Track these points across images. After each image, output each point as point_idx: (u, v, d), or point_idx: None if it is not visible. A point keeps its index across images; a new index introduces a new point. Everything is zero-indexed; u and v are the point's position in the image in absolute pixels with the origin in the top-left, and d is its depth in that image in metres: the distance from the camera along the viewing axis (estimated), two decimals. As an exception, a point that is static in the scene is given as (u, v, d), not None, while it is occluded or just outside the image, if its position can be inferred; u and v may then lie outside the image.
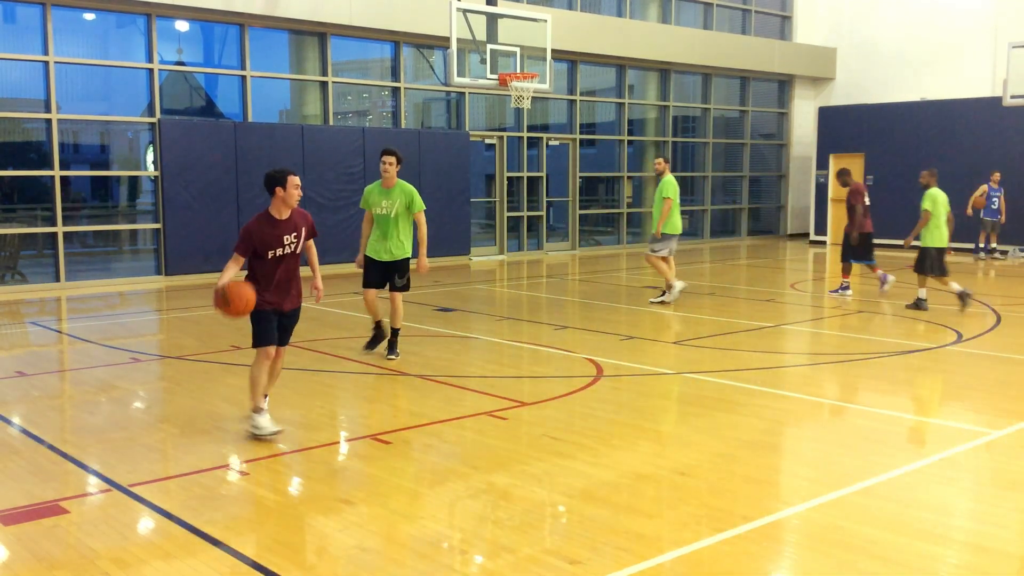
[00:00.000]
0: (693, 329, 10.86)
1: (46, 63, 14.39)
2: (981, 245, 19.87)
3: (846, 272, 13.71)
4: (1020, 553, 4.51)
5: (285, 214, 6.36)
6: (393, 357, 8.82)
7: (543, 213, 20.85)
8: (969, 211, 19.70)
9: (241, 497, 5.28)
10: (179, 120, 15.84)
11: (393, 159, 8.60)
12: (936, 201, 12.11)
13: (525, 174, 20.50)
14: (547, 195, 20.96)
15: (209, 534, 4.63)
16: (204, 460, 5.96)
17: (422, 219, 8.72)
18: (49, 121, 14.49)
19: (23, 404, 7.43)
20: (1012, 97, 17.99)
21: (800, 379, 8.24)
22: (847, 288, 13.52)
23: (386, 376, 8.29)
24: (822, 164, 23.83)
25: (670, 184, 12.42)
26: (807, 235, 24.59)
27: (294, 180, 6.31)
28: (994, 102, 20.17)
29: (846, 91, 25.16)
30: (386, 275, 8.85)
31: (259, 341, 6.40)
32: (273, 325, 6.41)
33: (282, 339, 6.57)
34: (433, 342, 9.90)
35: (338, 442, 6.41)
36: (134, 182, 16.82)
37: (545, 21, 15.00)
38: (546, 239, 20.94)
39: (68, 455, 5.98)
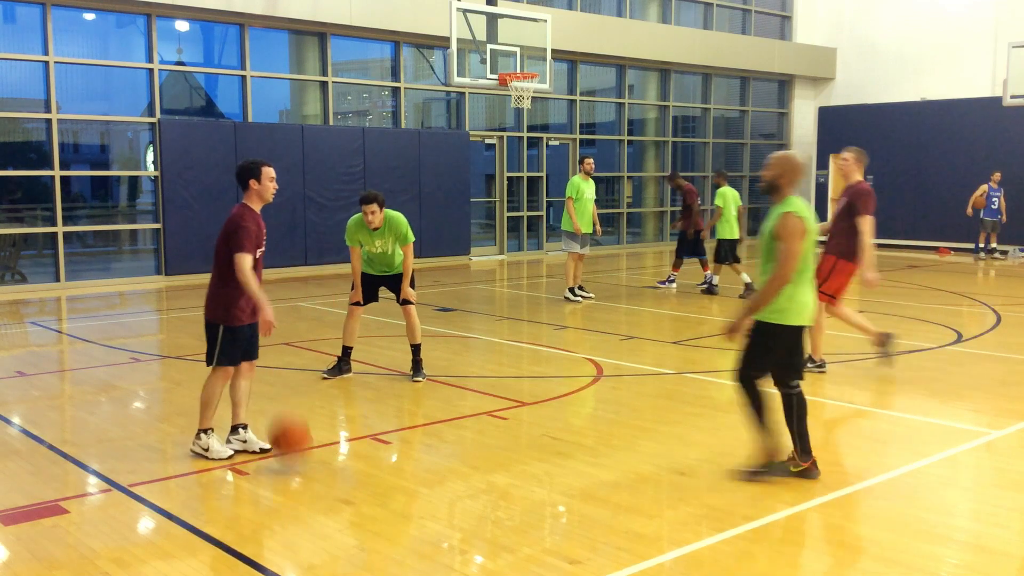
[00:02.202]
0: (693, 329, 10.86)
1: (46, 63, 14.39)
2: (981, 245, 19.87)
3: (676, 267, 14.54)
4: (1020, 553, 4.51)
5: (259, 209, 5.90)
6: (420, 379, 8.00)
7: (543, 213, 20.85)
8: (969, 211, 19.71)
9: (241, 497, 5.28)
10: (179, 120, 15.84)
11: (375, 207, 7.69)
12: (726, 198, 13.73)
13: (525, 174, 20.50)
14: (547, 195, 20.96)
15: (209, 534, 4.63)
16: (204, 460, 5.96)
17: (410, 251, 7.95)
18: (49, 121, 14.49)
19: (23, 404, 7.43)
20: (1012, 97, 18.00)
21: (800, 379, 8.23)
22: (672, 281, 14.37)
23: (386, 376, 8.29)
24: (822, 164, 23.83)
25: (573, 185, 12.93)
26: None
27: (269, 172, 5.85)
28: (994, 102, 20.17)
29: (846, 91, 25.15)
30: (388, 286, 8.21)
31: (224, 359, 5.80)
32: (242, 342, 5.88)
33: (254, 352, 6.05)
34: (433, 342, 9.90)
35: (338, 442, 6.41)
36: (134, 182, 16.81)
37: (545, 21, 15.00)
38: (546, 239, 20.93)
39: (68, 455, 5.98)
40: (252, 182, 5.83)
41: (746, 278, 13.34)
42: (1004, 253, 19.92)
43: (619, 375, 8.32)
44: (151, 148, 15.73)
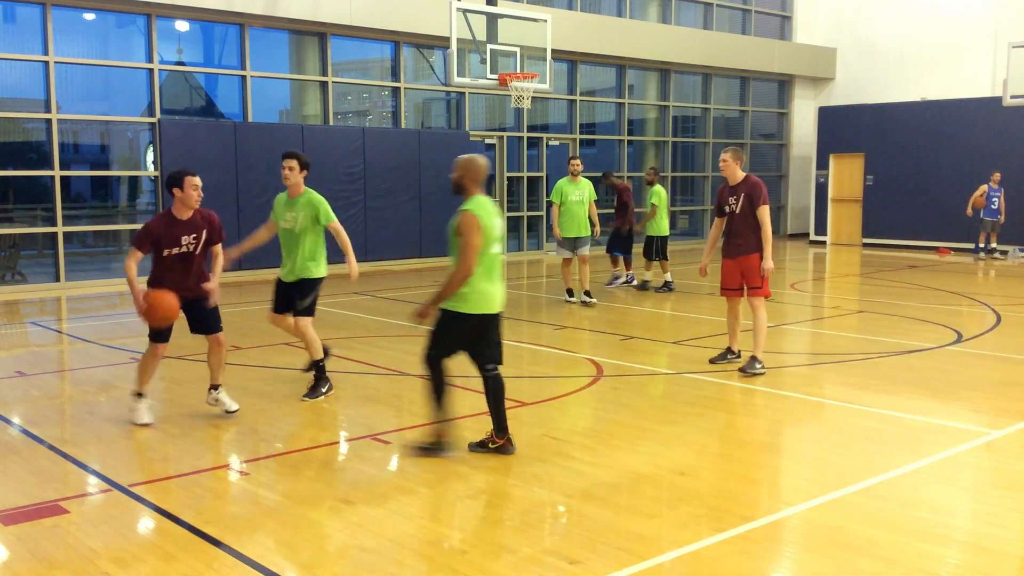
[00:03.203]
0: (693, 329, 10.86)
1: (46, 63, 14.39)
2: (981, 245, 19.87)
3: (615, 263, 14.66)
4: (1020, 553, 4.51)
5: (186, 215, 6.54)
6: (313, 398, 7.37)
7: (543, 213, 20.85)
8: (969, 211, 19.70)
9: (241, 497, 5.28)
10: (179, 120, 15.84)
11: (294, 163, 7.29)
12: (661, 196, 13.97)
13: (525, 174, 20.50)
14: (547, 195, 20.95)
15: (209, 534, 4.63)
16: (204, 460, 5.97)
17: (339, 228, 7.44)
18: (49, 121, 14.49)
19: (23, 404, 7.43)
20: (1012, 97, 17.98)
21: (800, 379, 8.24)
22: (620, 278, 14.48)
23: (386, 376, 8.29)
24: (822, 164, 23.84)
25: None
26: (807, 235, 24.59)
27: (192, 180, 6.47)
28: (994, 102, 20.16)
29: (846, 91, 25.16)
30: (289, 297, 7.50)
31: (153, 337, 6.73)
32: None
33: (199, 328, 6.78)
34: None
35: (338, 442, 6.41)
36: (134, 182, 16.82)
37: (545, 21, 15.00)
38: (546, 239, 20.93)
39: (68, 455, 5.98)
40: (175, 190, 6.50)
41: (668, 276, 14.03)
42: (1004, 253, 19.91)
43: (619, 375, 8.32)
44: (151, 148, 15.74)
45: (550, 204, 12.88)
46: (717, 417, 6.90)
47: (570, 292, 12.71)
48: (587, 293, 12.52)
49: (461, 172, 5.80)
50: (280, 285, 7.54)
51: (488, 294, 5.72)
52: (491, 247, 5.71)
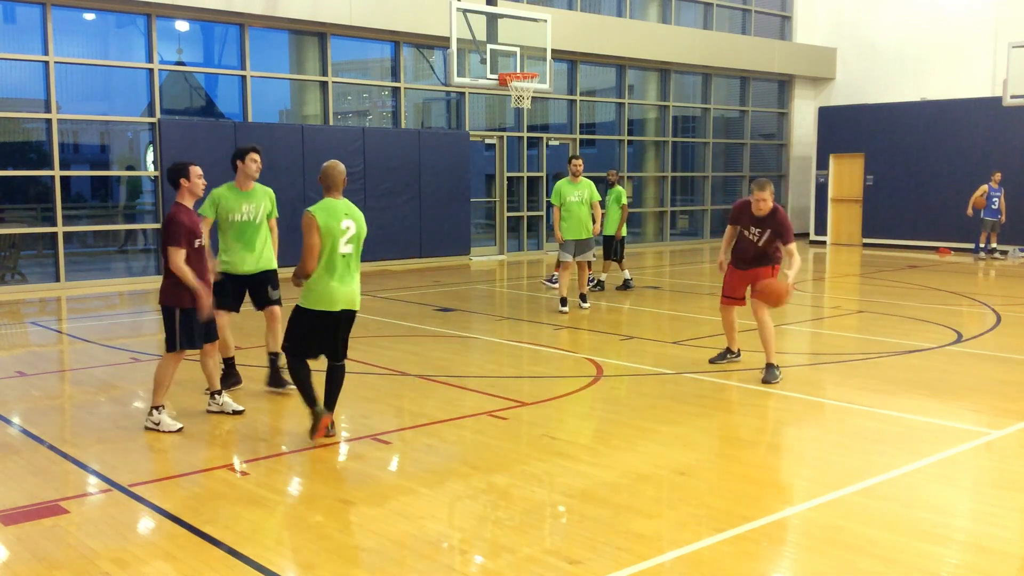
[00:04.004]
0: (693, 329, 10.86)
1: (46, 63, 14.39)
2: (981, 245, 19.86)
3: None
4: (1020, 553, 4.51)
5: (191, 205, 6.58)
6: (279, 390, 7.53)
7: (543, 213, 20.86)
8: (969, 211, 19.70)
9: (241, 497, 5.27)
10: (179, 120, 15.84)
11: (257, 156, 7.46)
12: (622, 197, 13.92)
13: (525, 174, 20.50)
14: (547, 195, 20.95)
15: (209, 534, 4.63)
16: (204, 460, 5.97)
17: (275, 226, 7.73)
18: (49, 121, 14.48)
19: (23, 404, 7.43)
20: (1012, 97, 17.99)
21: (800, 379, 8.24)
22: (555, 281, 13.93)
23: (386, 376, 8.29)
24: (822, 164, 23.84)
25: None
26: (807, 235, 24.59)
27: (196, 170, 6.56)
28: (994, 102, 20.16)
29: (846, 91, 25.15)
30: (253, 289, 7.56)
31: (185, 343, 6.45)
32: (199, 324, 6.51)
33: (213, 334, 6.77)
34: (433, 342, 9.90)
35: (338, 442, 6.41)
36: (134, 182, 16.81)
37: (545, 21, 14.99)
38: (546, 239, 20.93)
39: (68, 455, 5.98)
40: (182, 180, 6.48)
41: (627, 274, 14.17)
42: (1004, 253, 19.91)
43: (619, 375, 8.32)
44: (151, 148, 15.74)
45: (550, 206, 12.71)
46: (717, 417, 6.90)
47: (564, 301, 11.93)
48: (582, 297, 12.17)
49: (320, 177, 6.21)
50: (234, 280, 7.40)
51: (329, 292, 6.03)
52: (338, 248, 6.01)
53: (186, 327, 6.40)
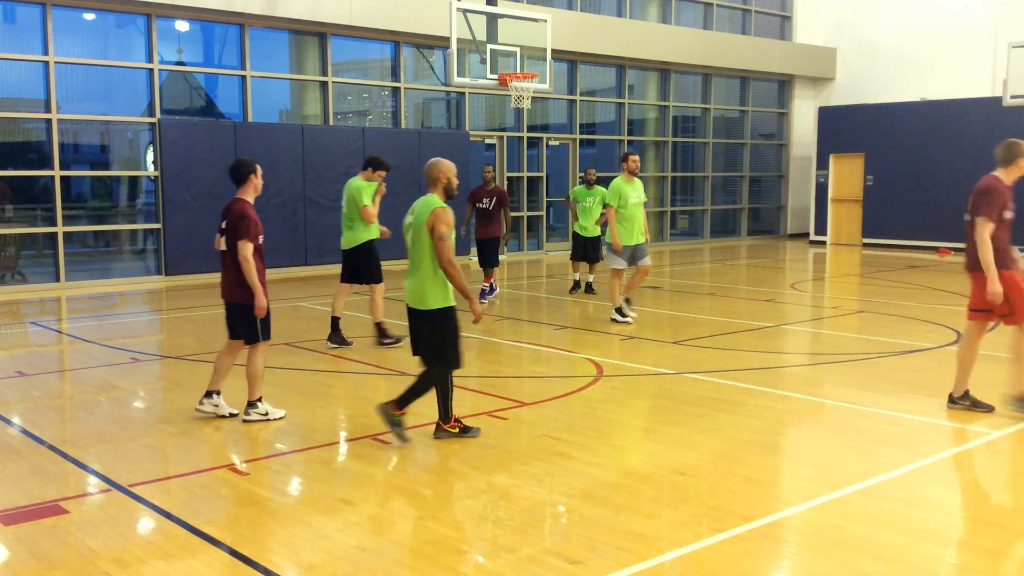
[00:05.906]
0: (693, 329, 10.86)
1: (46, 63, 14.39)
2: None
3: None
4: (1020, 553, 4.51)
5: (252, 201, 6.72)
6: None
7: (543, 213, 20.85)
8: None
9: (241, 497, 5.27)
10: (179, 120, 15.84)
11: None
12: (604, 196, 11.98)
13: (525, 174, 20.50)
14: (547, 195, 20.96)
15: (209, 534, 4.63)
16: (204, 460, 5.97)
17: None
18: (49, 121, 14.49)
19: (23, 404, 7.43)
20: (1012, 97, 17.98)
21: (800, 379, 8.24)
22: (495, 290, 13.06)
23: (386, 376, 8.29)
24: (822, 164, 23.83)
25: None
26: (807, 235, 24.59)
27: (259, 169, 6.82)
28: (994, 102, 20.16)
29: (846, 91, 25.15)
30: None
31: (266, 334, 6.70)
32: (269, 317, 6.70)
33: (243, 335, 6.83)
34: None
35: (338, 442, 6.41)
36: (134, 182, 16.81)
37: (545, 21, 14.99)
38: (546, 239, 20.94)
39: (68, 455, 5.98)
40: (252, 177, 6.67)
41: (577, 277, 13.79)
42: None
43: (619, 375, 8.32)
44: (151, 148, 15.74)
45: (605, 207, 11.15)
46: (717, 417, 6.90)
47: (619, 311, 10.89)
48: (627, 301, 11.07)
49: None
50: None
51: (406, 287, 6.21)
52: (407, 243, 6.19)
53: (264, 319, 6.59)
